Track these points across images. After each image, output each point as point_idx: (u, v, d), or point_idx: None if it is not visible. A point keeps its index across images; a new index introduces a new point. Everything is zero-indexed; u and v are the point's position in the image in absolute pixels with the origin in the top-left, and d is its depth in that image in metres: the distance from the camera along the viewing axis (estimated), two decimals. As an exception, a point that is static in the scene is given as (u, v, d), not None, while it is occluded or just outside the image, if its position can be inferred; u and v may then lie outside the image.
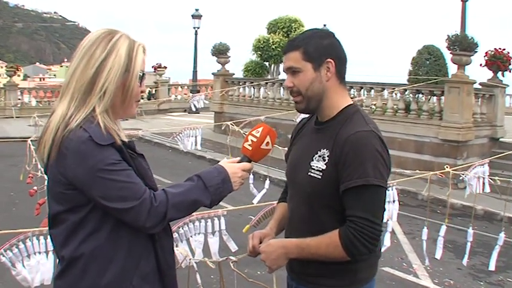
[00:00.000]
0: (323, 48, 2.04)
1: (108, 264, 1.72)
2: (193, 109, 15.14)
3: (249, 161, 2.00)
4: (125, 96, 1.79)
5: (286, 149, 2.39)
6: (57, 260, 1.85)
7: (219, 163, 1.93)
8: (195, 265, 3.04)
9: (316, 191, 2.02)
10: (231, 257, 2.54)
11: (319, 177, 2.01)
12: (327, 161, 2.01)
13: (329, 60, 2.04)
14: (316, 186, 2.02)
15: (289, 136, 2.37)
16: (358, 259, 1.98)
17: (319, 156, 2.03)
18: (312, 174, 2.03)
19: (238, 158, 2.01)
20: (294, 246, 2.02)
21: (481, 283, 5.87)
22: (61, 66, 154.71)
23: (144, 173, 1.79)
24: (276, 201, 2.53)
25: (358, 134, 1.96)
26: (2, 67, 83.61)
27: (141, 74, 1.82)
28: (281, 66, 19.37)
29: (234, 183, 1.88)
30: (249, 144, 2.00)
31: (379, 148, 1.96)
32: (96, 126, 1.69)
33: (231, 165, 1.92)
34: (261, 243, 2.15)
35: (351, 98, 2.20)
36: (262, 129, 2.02)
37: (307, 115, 2.32)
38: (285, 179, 2.34)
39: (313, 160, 2.05)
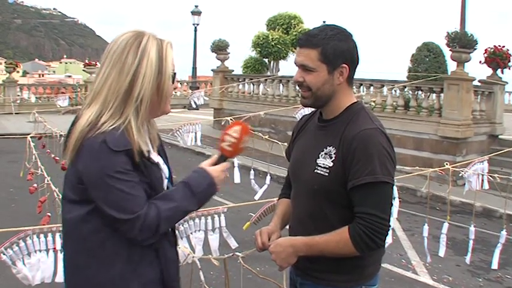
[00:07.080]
0: (341, 52, 2.03)
1: (107, 264, 1.76)
2: (193, 106, 15.17)
3: (225, 160, 1.98)
4: (161, 98, 1.81)
5: (285, 144, 2.39)
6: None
7: (202, 167, 1.92)
8: (198, 263, 3.05)
9: (322, 188, 2.04)
10: (238, 253, 2.55)
11: (326, 174, 2.03)
12: (333, 158, 2.03)
13: (344, 65, 2.05)
14: (323, 183, 2.04)
15: (289, 133, 2.38)
16: (366, 255, 2.01)
17: (326, 153, 2.05)
18: (318, 172, 2.05)
19: (216, 157, 1.98)
20: (303, 245, 2.04)
21: (480, 280, 5.88)
22: (60, 63, 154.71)
23: (156, 184, 1.81)
24: (276, 198, 2.54)
25: (365, 132, 1.99)
26: (1, 63, 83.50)
27: (173, 73, 1.83)
28: (280, 62, 19.55)
29: (218, 186, 1.91)
30: (228, 145, 1.97)
31: (385, 145, 2.00)
32: (116, 131, 1.70)
33: (214, 169, 1.91)
34: (269, 239, 2.17)
35: None
36: (241, 128, 1.98)
37: (307, 112, 2.32)
38: (284, 175, 2.34)
39: (319, 157, 2.06)
